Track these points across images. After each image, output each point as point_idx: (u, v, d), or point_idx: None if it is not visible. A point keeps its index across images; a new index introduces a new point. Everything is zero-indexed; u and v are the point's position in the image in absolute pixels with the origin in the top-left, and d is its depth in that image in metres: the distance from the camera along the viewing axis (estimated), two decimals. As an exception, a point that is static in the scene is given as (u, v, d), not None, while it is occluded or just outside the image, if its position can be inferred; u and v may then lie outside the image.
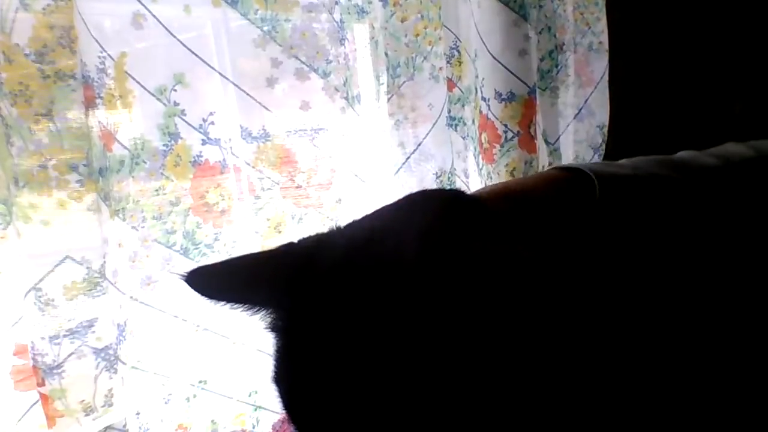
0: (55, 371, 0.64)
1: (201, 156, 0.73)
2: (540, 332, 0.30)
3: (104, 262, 0.67)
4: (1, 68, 0.59)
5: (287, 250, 0.40)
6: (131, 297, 0.69)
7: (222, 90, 0.75)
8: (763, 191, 0.38)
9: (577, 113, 1.04)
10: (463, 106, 0.98)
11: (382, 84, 0.90)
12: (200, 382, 0.75)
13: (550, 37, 0.99)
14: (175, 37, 0.70)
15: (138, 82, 0.68)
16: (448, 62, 0.94)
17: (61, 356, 0.64)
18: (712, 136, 0.71)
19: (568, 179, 0.41)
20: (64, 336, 0.65)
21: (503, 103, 0.89)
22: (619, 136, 0.91)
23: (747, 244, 0.38)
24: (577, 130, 1.04)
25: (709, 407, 0.36)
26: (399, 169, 0.92)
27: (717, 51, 0.80)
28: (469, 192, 0.45)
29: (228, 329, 0.77)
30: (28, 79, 0.61)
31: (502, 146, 0.91)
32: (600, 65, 1.01)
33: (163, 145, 0.71)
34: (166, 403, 0.73)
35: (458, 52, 0.95)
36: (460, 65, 0.96)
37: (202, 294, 0.39)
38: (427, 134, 0.92)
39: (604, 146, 1.01)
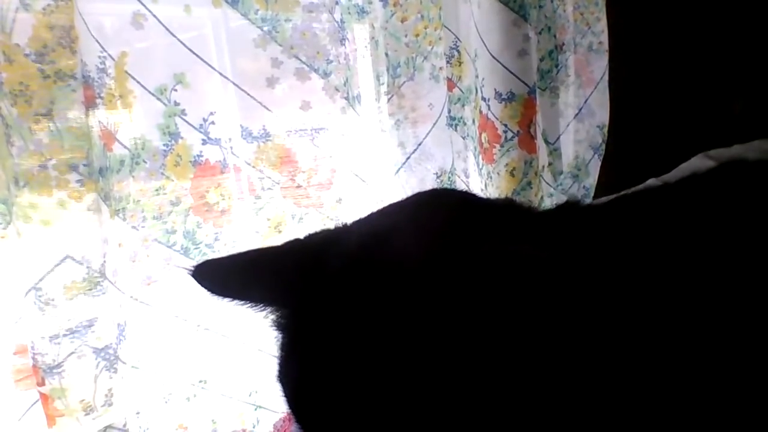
0: (55, 371, 0.64)
1: (201, 156, 0.74)
2: (555, 337, 0.28)
3: (104, 261, 0.67)
4: (2, 68, 0.59)
5: (293, 247, 0.39)
6: (131, 297, 0.69)
7: (222, 90, 0.75)
8: None
9: (577, 113, 1.04)
10: (463, 106, 0.98)
11: (383, 84, 0.90)
12: (200, 381, 0.75)
13: (550, 37, 0.99)
14: (175, 37, 0.70)
15: (138, 82, 0.68)
16: (448, 62, 0.94)
17: (61, 356, 0.64)
18: (711, 135, 0.71)
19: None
20: (64, 335, 0.64)
21: (503, 103, 0.89)
22: (619, 136, 0.91)
23: None
24: (577, 130, 1.04)
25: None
26: (399, 169, 0.92)
27: (717, 50, 0.80)
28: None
29: (228, 329, 0.77)
30: (29, 79, 0.61)
31: (502, 146, 0.91)
32: (600, 65, 1.01)
33: (164, 144, 0.71)
34: (166, 402, 0.73)
35: (458, 52, 0.95)
36: (460, 65, 0.96)
37: (207, 289, 0.38)
38: (428, 134, 0.92)
39: (604, 146, 1.01)
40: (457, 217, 0.36)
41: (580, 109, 1.03)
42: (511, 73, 0.88)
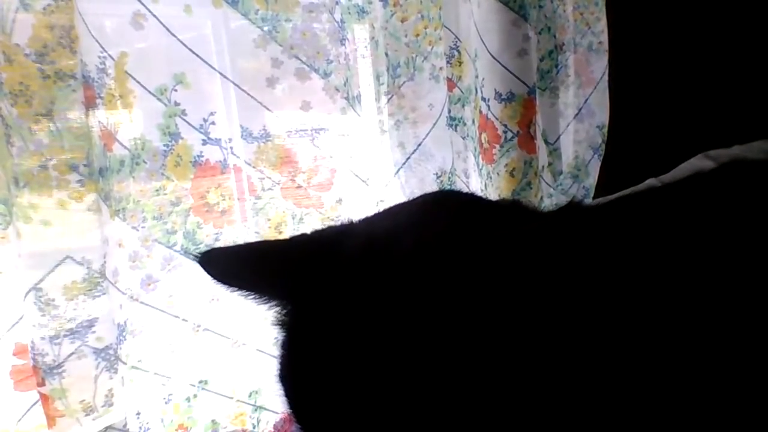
0: (55, 371, 0.64)
1: (201, 156, 0.73)
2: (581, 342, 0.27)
3: (104, 262, 0.67)
4: (2, 68, 0.59)
5: (301, 242, 0.39)
6: (131, 297, 0.69)
7: (222, 90, 0.75)
8: None
9: (577, 113, 1.04)
10: (463, 106, 0.98)
11: (383, 84, 0.90)
12: (201, 382, 0.75)
13: (550, 37, 0.99)
14: (175, 37, 0.70)
15: (138, 82, 0.68)
16: (448, 62, 0.94)
17: (61, 356, 0.64)
18: (711, 136, 0.71)
19: None
20: (65, 336, 0.64)
21: (503, 103, 0.89)
22: (619, 136, 0.91)
23: None
24: (576, 130, 1.04)
25: None
26: (399, 170, 0.92)
27: (717, 50, 0.80)
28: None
29: (228, 329, 0.77)
30: (29, 79, 0.61)
31: (501, 146, 0.91)
32: (600, 65, 1.01)
33: (164, 145, 0.71)
34: (166, 403, 0.73)
35: (458, 52, 0.95)
36: (460, 65, 0.96)
37: (212, 276, 0.38)
38: (428, 134, 0.92)
39: (603, 146, 1.01)
40: (464, 217, 0.35)
41: (580, 110, 1.03)
42: (511, 73, 0.88)
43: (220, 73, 0.74)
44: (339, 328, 0.32)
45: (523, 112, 0.90)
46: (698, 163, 0.62)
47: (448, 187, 0.92)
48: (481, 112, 0.92)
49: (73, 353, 0.65)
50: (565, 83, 1.03)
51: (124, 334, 0.68)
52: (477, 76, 0.91)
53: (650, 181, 0.64)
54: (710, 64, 0.81)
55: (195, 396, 0.75)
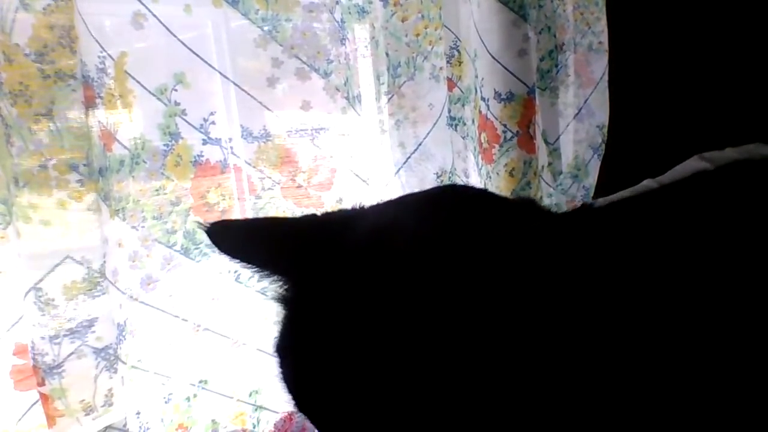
0: (55, 371, 0.64)
1: (202, 156, 0.73)
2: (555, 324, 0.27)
3: (104, 261, 0.67)
4: (1, 68, 0.59)
5: (310, 221, 0.40)
6: (131, 297, 0.69)
7: (223, 90, 0.75)
8: None
9: (577, 113, 1.04)
10: (463, 105, 0.98)
11: (383, 84, 0.90)
12: (201, 381, 0.75)
13: (550, 37, 0.99)
14: (175, 36, 0.70)
15: (138, 82, 0.68)
16: (448, 62, 0.94)
17: (61, 356, 0.64)
18: (711, 136, 0.71)
19: None
20: (64, 336, 0.64)
21: (502, 103, 0.89)
22: (619, 136, 0.91)
23: None
24: (576, 130, 1.04)
25: None
26: (399, 169, 0.92)
27: (717, 51, 0.80)
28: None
29: (228, 329, 0.77)
30: (28, 79, 0.61)
31: (501, 146, 0.91)
32: (600, 65, 1.01)
33: (164, 144, 0.71)
34: (166, 402, 0.73)
35: (458, 51, 0.95)
36: (460, 65, 0.96)
37: (219, 248, 0.38)
38: (428, 134, 0.92)
39: (603, 146, 1.01)
40: (469, 212, 0.36)
41: (580, 109, 1.03)
42: (511, 73, 0.88)
43: (221, 73, 0.74)
44: (336, 312, 0.33)
45: (522, 111, 0.90)
46: (694, 164, 0.62)
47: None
48: (480, 111, 0.92)
49: (73, 353, 0.65)
50: (565, 83, 1.03)
51: (123, 333, 0.68)
52: (477, 76, 0.91)
53: (647, 182, 0.64)
54: (710, 65, 0.81)
55: (195, 396, 0.75)
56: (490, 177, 0.93)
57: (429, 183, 0.93)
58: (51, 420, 0.64)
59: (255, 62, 0.77)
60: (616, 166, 0.96)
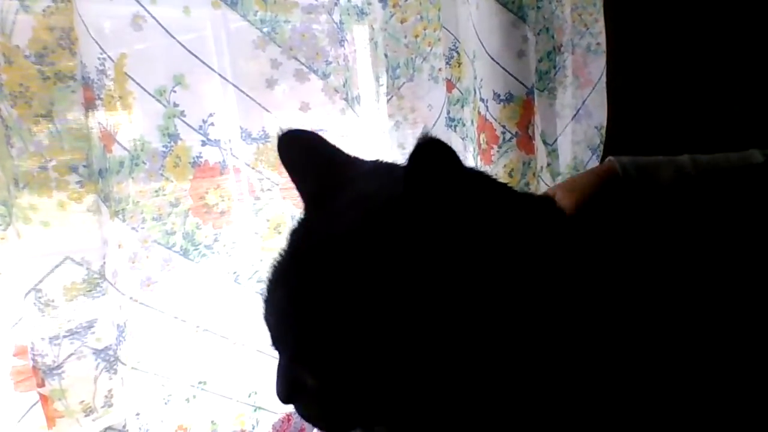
0: (54, 372, 0.64)
1: (201, 157, 0.74)
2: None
3: (104, 263, 0.67)
4: (2, 70, 0.59)
5: (356, 162, 0.45)
6: (131, 298, 0.69)
7: (222, 91, 0.75)
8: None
9: (575, 114, 1.04)
10: (462, 107, 0.98)
11: (382, 85, 0.90)
12: (200, 382, 0.75)
13: (548, 38, 0.99)
14: (174, 38, 0.71)
15: (138, 84, 0.68)
16: (447, 63, 0.94)
17: (60, 357, 0.64)
18: (710, 137, 0.71)
19: None
20: (64, 337, 0.65)
21: (501, 104, 0.90)
22: (617, 137, 0.91)
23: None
24: (575, 130, 1.04)
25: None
26: (398, 170, 0.92)
27: (715, 52, 0.80)
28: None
29: (228, 330, 0.77)
30: (28, 81, 0.61)
31: (500, 147, 0.91)
32: (598, 66, 1.01)
33: (163, 146, 0.71)
34: (165, 403, 0.73)
35: (457, 53, 0.96)
36: (459, 66, 0.96)
37: (280, 157, 0.46)
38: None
39: (601, 147, 1.01)
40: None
41: (578, 110, 1.04)
42: (510, 74, 0.89)
43: (220, 75, 0.75)
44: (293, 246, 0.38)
45: (521, 112, 0.91)
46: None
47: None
48: (479, 112, 0.92)
49: (72, 354, 0.65)
50: (564, 84, 1.03)
51: (123, 334, 0.68)
52: (476, 77, 0.92)
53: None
54: (708, 66, 0.81)
55: (194, 397, 0.75)
56: (489, 178, 0.93)
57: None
58: (51, 421, 0.64)
59: (254, 64, 0.77)
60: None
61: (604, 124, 1.00)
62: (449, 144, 0.33)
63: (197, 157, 0.73)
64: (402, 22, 0.90)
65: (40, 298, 0.63)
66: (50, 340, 0.64)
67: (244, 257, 0.77)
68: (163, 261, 0.72)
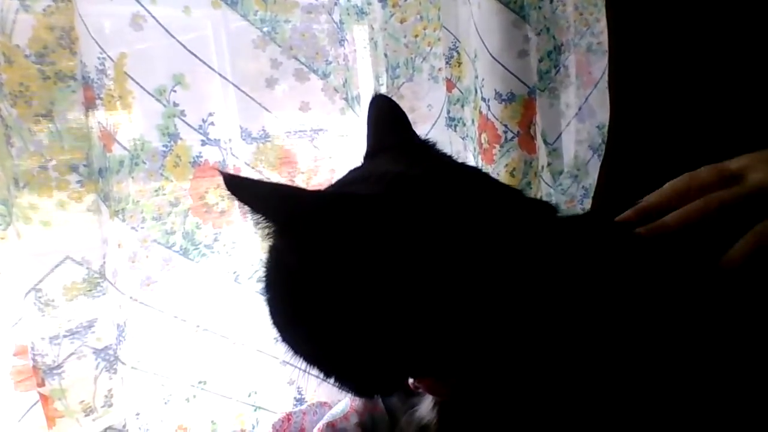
0: (54, 372, 0.64)
1: (200, 157, 0.74)
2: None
3: (104, 262, 0.67)
4: (2, 69, 0.60)
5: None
6: (131, 297, 0.69)
7: (221, 91, 0.75)
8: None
9: (577, 113, 1.04)
10: (462, 106, 0.98)
11: (382, 85, 0.90)
12: (200, 382, 0.75)
13: (550, 37, 0.99)
14: (174, 38, 0.71)
15: (137, 83, 0.68)
16: (447, 63, 0.94)
17: (60, 357, 0.64)
18: (712, 136, 0.71)
19: None
20: (64, 336, 0.65)
21: (503, 103, 0.89)
22: (619, 136, 0.91)
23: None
24: (576, 130, 1.04)
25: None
26: (399, 170, 0.92)
27: (717, 51, 0.80)
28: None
29: (227, 330, 0.77)
30: (29, 80, 0.61)
31: (501, 146, 0.91)
32: (599, 66, 1.01)
33: (163, 145, 0.71)
34: (165, 403, 0.73)
35: (457, 52, 0.96)
36: (459, 66, 0.96)
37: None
38: (427, 135, 0.92)
39: (603, 146, 1.01)
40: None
41: (580, 110, 1.03)
42: (512, 73, 0.88)
43: (220, 74, 0.75)
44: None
45: (523, 112, 0.90)
46: None
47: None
48: (481, 112, 0.92)
49: (72, 353, 0.65)
50: (565, 83, 1.03)
51: (123, 334, 0.68)
52: (477, 77, 0.92)
53: None
54: (710, 65, 0.80)
55: (194, 396, 0.75)
56: (490, 177, 0.93)
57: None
58: (51, 421, 0.64)
59: (254, 63, 0.77)
60: (617, 166, 0.96)
61: (606, 123, 1.00)
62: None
63: (197, 156, 0.73)
64: (402, 22, 0.90)
65: (40, 297, 0.63)
66: (50, 339, 0.64)
67: (244, 257, 0.77)
68: (163, 260, 0.72)
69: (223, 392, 0.77)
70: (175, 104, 0.71)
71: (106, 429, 0.69)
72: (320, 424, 0.75)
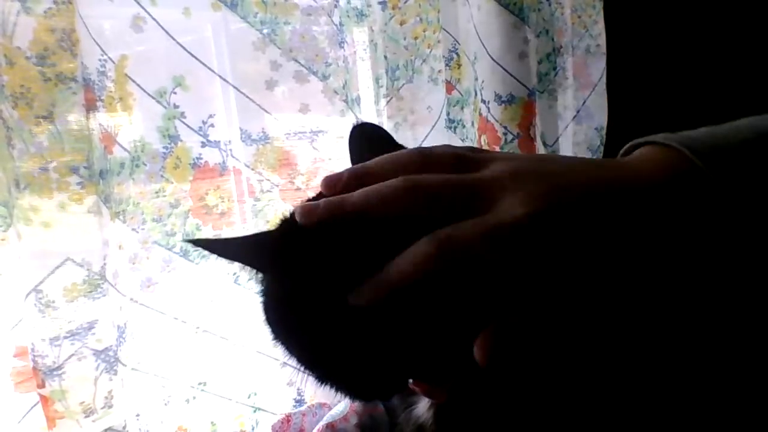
0: (55, 373, 0.64)
1: (201, 158, 0.74)
2: None
3: (104, 264, 0.67)
4: (3, 71, 0.60)
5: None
6: (131, 299, 0.69)
7: (222, 92, 0.75)
8: None
9: (575, 115, 1.04)
10: (462, 108, 0.98)
11: (381, 87, 0.90)
12: (200, 383, 0.76)
13: (548, 40, 0.99)
14: (175, 40, 0.71)
15: (138, 85, 0.68)
16: (447, 65, 0.95)
17: (61, 358, 0.64)
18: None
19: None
20: (65, 338, 0.65)
21: (503, 105, 0.90)
22: (617, 138, 0.91)
23: None
24: (575, 132, 1.04)
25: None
26: (398, 171, 0.92)
27: (715, 54, 0.80)
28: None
29: (227, 331, 0.77)
30: (30, 82, 0.61)
31: (501, 148, 0.91)
32: (598, 68, 1.01)
33: (163, 147, 0.71)
34: (165, 404, 0.73)
35: (457, 54, 0.96)
36: (459, 68, 0.96)
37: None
38: (426, 136, 0.93)
39: (602, 148, 1.01)
40: None
41: (578, 112, 1.04)
42: (512, 75, 0.89)
43: (220, 76, 0.75)
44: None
45: (523, 114, 0.91)
46: None
47: None
48: (480, 114, 0.92)
49: (73, 355, 0.65)
50: (563, 86, 1.03)
51: (123, 335, 0.68)
52: (477, 79, 0.92)
53: None
54: (708, 67, 0.81)
55: (194, 398, 0.75)
56: (489, 179, 0.93)
57: (428, 185, 0.92)
58: (51, 422, 0.64)
59: (254, 65, 0.77)
60: (615, 167, 0.96)
61: (604, 125, 1.00)
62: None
63: (197, 158, 0.74)
64: (401, 24, 0.90)
65: (40, 299, 0.63)
66: (50, 341, 0.64)
67: (244, 258, 0.77)
68: (163, 262, 0.72)
69: (223, 393, 0.77)
70: (176, 106, 0.71)
71: (106, 430, 0.69)
72: (320, 425, 0.75)
